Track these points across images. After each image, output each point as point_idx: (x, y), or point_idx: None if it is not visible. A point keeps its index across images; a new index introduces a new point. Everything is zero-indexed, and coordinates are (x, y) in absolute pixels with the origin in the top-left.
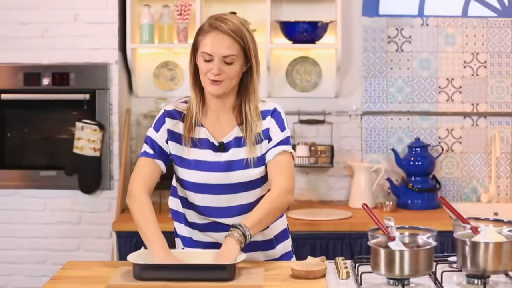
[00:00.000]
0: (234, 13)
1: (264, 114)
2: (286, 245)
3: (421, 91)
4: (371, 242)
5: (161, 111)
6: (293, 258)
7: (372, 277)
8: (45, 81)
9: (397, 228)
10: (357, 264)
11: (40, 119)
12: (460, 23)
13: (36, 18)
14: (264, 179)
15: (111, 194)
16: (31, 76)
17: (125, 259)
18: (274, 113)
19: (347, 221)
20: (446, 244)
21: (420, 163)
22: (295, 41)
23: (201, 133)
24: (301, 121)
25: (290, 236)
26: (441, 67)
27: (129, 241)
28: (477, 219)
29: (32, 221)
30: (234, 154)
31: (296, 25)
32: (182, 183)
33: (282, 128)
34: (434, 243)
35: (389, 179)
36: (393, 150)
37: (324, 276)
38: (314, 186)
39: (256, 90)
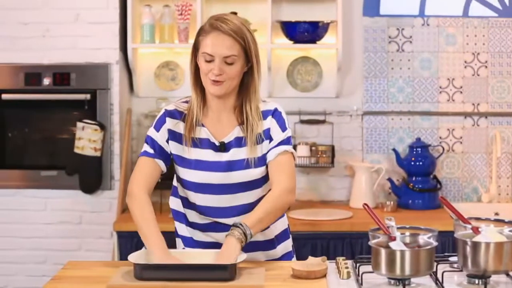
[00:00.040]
0: (235, 13)
1: (265, 114)
2: (286, 245)
3: (422, 91)
4: (372, 242)
5: (162, 111)
6: (294, 258)
7: (373, 277)
8: (46, 81)
9: (398, 228)
10: (358, 264)
11: (41, 119)
12: (461, 23)
13: (37, 18)
14: (265, 179)
15: (112, 194)
16: (32, 76)
17: (126, 259)
18: (275, 113)
19: (348, 221)
20: (447, 244)
21: (421, 163)
22: (296, 41)
23: (202, 133)
24: (302, 121)
25: (291, 236)
26: (442, 67)
27: (130, 241)
28: (478, 219)
29: (33, 221)
30: (235, 154)
31: (297, 25)
32: (183, 183)
33: (283, 128)
34: (435, 243)
35: (390, 179)
36: (394, 150)
37: (325, 276)
38: (315, 186)
39: (257, 90)
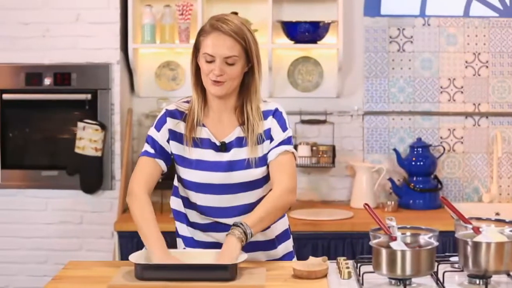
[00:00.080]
0: (236, 13)
1: (265, 114)
2: (287, 246)
3: (423, 91)
4: (373, 242)
5: (163, 111)
6: (294, 259)
7: (373, 277)
8: (47, 81)
9: (398, 228)
10: (358, 264)
11: (41, 119)
12: (462, 23)
13: (38, 18)
14: (265, 179)
15: (113, 194)
16: (32, 76)
17: (127, 259)
18: (276, 113)
19: (348, 221)
20: (448, 244)
21: (421, 163)
22: (297, 41)
23: (202, 133)
24: (303, 121)
25: (291, 236)
26: (443, 67)
27: (130, 241)
28: (478, 219)
29: (34, 221)
30: (235, 154)
31: (297, 25)
32: (184, 183)
33: (284, 128)
34: (435, 243)
35: (390, 179)
36: (394, 150)
37: (325, 276)
38: (316, 186)
39: (258, 90)
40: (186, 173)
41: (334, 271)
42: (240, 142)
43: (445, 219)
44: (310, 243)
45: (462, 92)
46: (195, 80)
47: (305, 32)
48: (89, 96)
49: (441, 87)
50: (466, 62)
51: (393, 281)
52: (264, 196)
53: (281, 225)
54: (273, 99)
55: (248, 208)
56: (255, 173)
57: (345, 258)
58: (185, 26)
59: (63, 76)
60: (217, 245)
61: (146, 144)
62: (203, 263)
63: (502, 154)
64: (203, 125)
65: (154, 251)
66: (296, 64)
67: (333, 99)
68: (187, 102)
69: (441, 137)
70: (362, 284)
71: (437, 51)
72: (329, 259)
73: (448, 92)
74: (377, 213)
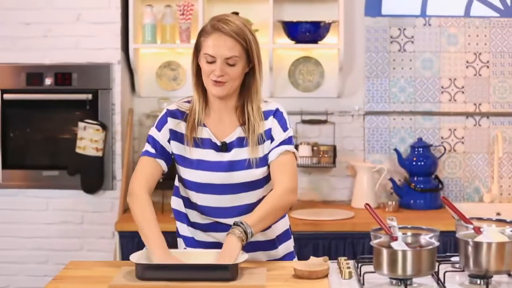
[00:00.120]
0: (237, 13)
1: (266, 115)
2: (288, 246)
3: (424, 91)
4: (374, 242)
5: (164, 111)
6: (295, 259)
7: (374, 277)
8: (48, 81)
9: (399, 228)
10: (359, 264)
11: (42, 119)
12: (463, 23)
13: (39, 18)
14: (266, 179)
15: (114, 194)
16: (33, 76)
17: (128, 259)
18: (276, 113)
19: (349, 221)
20: (449, 244)
21: (422, 163)
22: (298, 41)
23: (203, 133)
24: (304, 121)
25: (292, 236)
26: (444, 67)
27: (131, 241)
28: (479, 219)
29: (35, 221)
30: (236, 154)
31: (298, 25)
32: (185, 182)
33: (285, 128)
34: (436, 243)
35: (391, 179)
36: (395, 150)
37: (326, 276)
38: (317, 186)
39: (259, 90)
40: (187, 173)
41: (335, 271)
42: (241, 142)
43: (446, 219)
44: (311, 243)
45: (463, 92)
46: (196, 80)
47: (306, 32)
48: (90, 96)
49: (442, 87)
50: (467, 62)
51: (394, 281)
52: (265, 196)
53: (282, 225)
54: (274, 99)
55: (249, 208)
56: (256, 173)
57: (346, 258)
58: (186, 26)
59: (64, 76)
60: (218, 245)
61: (146, 144)
62: (204, 263)
63: (503, 154)
64: (204, 125)
65: (155, 251)
66: (297, 64)
67: (334, 99)
68: (188, 102)
69: (442, 137)
70: (363, 284)
71: (438, 51)
72: (330, 259)
73: (449, 92)
74: (378, 213)
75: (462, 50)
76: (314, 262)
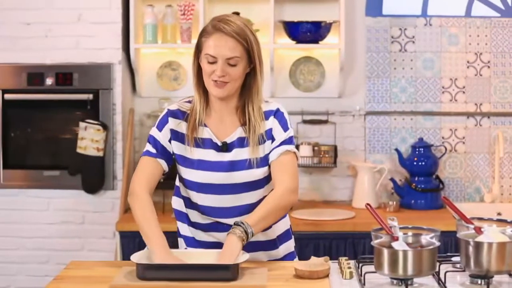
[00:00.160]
0: (237, 13)
1: (267, 115)
2: (288, 246)
3: (425, 91)
4: (375, 242)
5: (165, 111)
6: (296, 259)
7: (375, 277)
8: (49, 81)
9: (400, 228)
10: (360, 264)
11: (43, 119)
12: (464, 23)
13: (40, 18)
14: (267, 180)
15: (115, 194)
16: (34, 76)
17: (129, 259)
18: (277, 114)
19: (350, 221)
20: (450, 244)
21: (423, 163)
22: (299, 41)
23: (204, 133)
24: (305, 121)
25: (293, 237)
26: (445, 67)
27: (132, 241)
28: (480, 219)
29: (36, 221)
30: (237, 154)
31: (299, 25)
32: (185, 182)
33: (285, 128)
34: (437, 243)
35: (392, 179)
36: (396, 150)
37: (327, 276)
38: (318, 186)
39: (260, 91)
40: (188, 173)
41: (336, 271)
42: (241, 142)
43: (446, 219)
44: (311, 243)
45: (463, 92)
46: (197, 80)
47: (307, 32)
48: (90, 96)
49: (443, 87)
50: (468, 62)
51: (394, 281)
52: (265, 196)
53: (283, 225)
54: (274, 99)
55: (250, 208)
56: (257, 173)
57: (346, 258)
58: (186, 26)
59: (65, 76)
60: (219, 245)
61: (147, 144)
62: (205, 263)
63: (503, 154)
64: (205, 125)
65: (156, 251)
66: (298, 64)
67: (335, 99)
68: (189, 102)
69: (442, 137)
70: (364, 284)
71: (438, 51)
72: (331, 259)
73: (450, 92)
74: (378, 213)
75: (463, 50)
76: (315, 262)
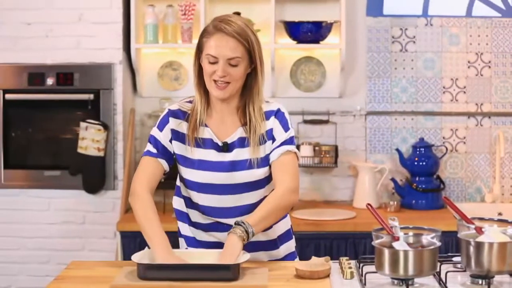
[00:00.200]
0: (238, 13)
1: (268, 115)
2: (289, 246)
3: (425, 91)
4: (375, 242)
5: (165, 111)
6: (297, 259)
7: (376, 277)
8: (49, 81)
9: (401, 228)
10: (361, 264)
11: (44, 119)
12: (464, 23)
13: (40, 18)
14: (268, 180)
15: (115, 194)
16: (35, 76)
17: (129, 259)
18: (278, 114)
19: (351, 221)
20: (451, 244)
21: (424, 163)
22: (299, 41)
23: (205, 133)
24: (305, 121)
25: (293, 237)
26: (445, 67)
27: (133, 241)
28: (481, 219)
29: (36, 221)
30: (238, 154)
31: (300, 25)
32: (186, 183)
33: (286, 128)
34: (438, 243)
35: (393, 179)
36: (397, 150)
37: (328, 276)
38: (318, 186)
39: (261, 91)
40: (188, 173)
41: (336, 271)
42: (242, 143)
43: (447, 219)
44: (312, 243)
45: (464, 92)
46: (198, 80)
47: (308, 32)
48: (91, 96)
49: (444, 87)
50: (469, 62)
51: (395, 281)
52: (266, 197)
53: (283, 225)
54: (275, 99)
55: (250, 208)
56: (257, 173)
57: (347, 258)
58: (187, 26)
59: (65, 76)
60: (219, 245)
61: (148, 144)
62: (205, 263)
63: (504, 154)
64: (206, 125)
65: (157, 251)
66: (299, 64)
67: (335, 99)
68: (190, 102)
69: (443, 137)
70: (365, 284)
71: (439, 51)
72: (331, 259)
73: (451, 92)
74: (379, 213)
75: (463, 50)
76: (316, 262)
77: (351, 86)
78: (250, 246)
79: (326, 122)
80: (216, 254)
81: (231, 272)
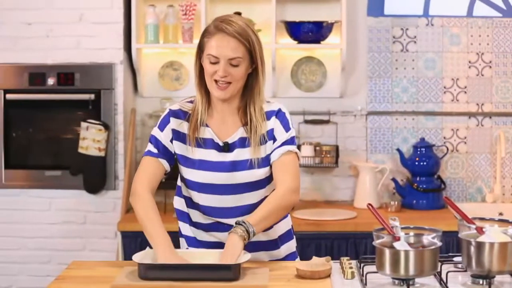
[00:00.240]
0: (239, 13)
1: (268, 115)
2: (290, 246)
3: (426, 91)
4: (376, 242)
5: (166, 111)
6: (297, 259)
7: (377, 277)
8: (50, 81)
9: (402, 228)
10: (362, 264)
11: (45, 119)
12: (465, 23)
13: (41, 18)
14: (269, 180)
15: (116, 194)
16: (36, 76)
17: (130, 259)
18: (279, 114)
19: (352, 221)
20: (451, 244)
21: (425, 163)
22: (300, 41)
23: (206, 133)
24: (306, 121)
25: (294, 237)
26: (446, 67)
27: (134, 241)
28: (482, 219)
29: (37, 221)
30: (238, 154)
31: (301, 25)
32: (187, 182)
33: (287, 128)
34: (439, 243)
35: (394, 179)
36: (398, 150)
37: (329, 276)
38: (319, 186)
39: (261, 91)
40: (189, 173)
41: (337, 271)
42: (243, 143)
43: (448, 219)
44: (313, 243)
45: (465, 92)
46: (199, 81)
47: (309, 32)
48: (92, 96)
49: (445, 87)
50: (470, 62)
51: (396, 281)
52: (267, 197)
53: (284, 225)
54: (276, 99)
55: (251, 209)
56: (258, 173)
57: (348, 258)
58: (188, 26)
59: (66, 76)
60: (220, 245)
61: (149, 144)
62: (206, 263)
63: (505, 154)
64: (207, 125)
65: (160, 250)
66: (300, 64)
67: (336, 99)
68: (191, 102)
69: (444, 137)
70: (366, 284)
71: (440, 51)
72: (332, 259)
73: (452, 92)
74: (380, 213)
75: (464, 50)
76: (317, 262)
77: (352, 86)
78: (251, 246)
79: (327, 122)
80: (217, 254)
81: (232, 272)
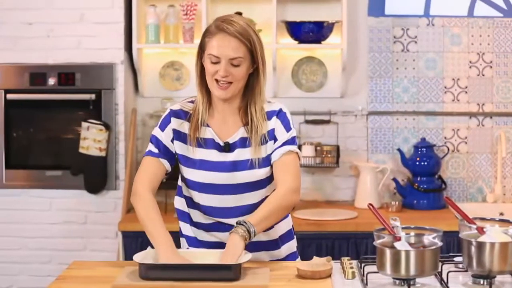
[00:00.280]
0: (240, 13)
1: (269, 115)
2: (291, 246)
3: (427, 91)
4: (377, 242)
5: (167, 111)
6: (298, 259)
7: (378, 277)
8: (51, 81)
9: (403, 228)
10: (363, 264)
11: (46, 119)
12: (466, 23)
13: (42, 18)
14: (269, 180)
15: (117, 194)
16: (37, 76)
17: (131, 259)
18: (280, 114)
19: (353, 221)
20: (452, 244)
21: (426, 163)
22: (301, 41)
23: (206, 133)
24: (307, 121)
25: (295, 237)
26: (447, 67)
27: (134, 241)
28: (483, 219)
29: (38, 221)
30: (239, 154)
31: (302, 25)
32: (187, 182)
33: (288, 128)
34: (440, 243)
35: (395, 179)
36: (399, 150)
37: (330, 276)
38: (320, 186)
39: (262, 91)
40: (190, 173)
41: (338, 271)
42: (244, 143)
43: (449, 219)
44: (314, 243)
45: (466, 92)
46: (200, 80)
47: (309, 32)
48: (93, 96)
49: (445, 87)
50: (470, 62)
51: (397, 281)
52: (267, 197)
53: (285, 225)
54: (277, 99)
55: (252, 209)
56: (259, 173)
57: (349, 258)
58: (189, 26)
59: (67, 76)
60: (221, 245)
61: (150, 144)
62: (207, 263)
63: (506, 154)
64: (207, 125)
65: (161, 250)
66: (300, 64)
67: (337, 99)
68: (192, 102)
69: (445, 137)
70: (366, 284)
71: (441, 51)
72: (333, 259)
73: (452, 92)
74: (381, 213)
75: (465, 50)
76: (317, 262)
77: (352, 86)
78: (251, 246)
79: (327, 122)
80: (218, 254)
81: (232, 272)
